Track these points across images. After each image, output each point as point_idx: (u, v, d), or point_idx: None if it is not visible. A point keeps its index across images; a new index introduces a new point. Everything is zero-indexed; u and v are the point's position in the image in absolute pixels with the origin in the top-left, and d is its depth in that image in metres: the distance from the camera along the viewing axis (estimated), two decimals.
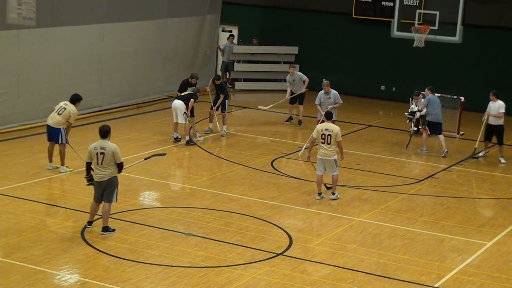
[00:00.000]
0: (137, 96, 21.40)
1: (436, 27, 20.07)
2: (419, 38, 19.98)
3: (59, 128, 14.34)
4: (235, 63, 25.06)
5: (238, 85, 25.26)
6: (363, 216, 13.31)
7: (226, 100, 18.47)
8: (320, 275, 10.70)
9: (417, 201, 14.42)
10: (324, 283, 10.41)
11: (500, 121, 17.40)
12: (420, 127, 20.00)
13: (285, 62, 25.23)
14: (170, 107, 17.81)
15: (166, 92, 22.19)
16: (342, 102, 17.48)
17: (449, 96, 20.20)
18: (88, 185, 11.82)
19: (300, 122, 20.10)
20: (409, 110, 19.84)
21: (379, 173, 16.24)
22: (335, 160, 13.66)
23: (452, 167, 17.09)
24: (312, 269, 10.92)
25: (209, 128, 18.45)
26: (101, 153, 11.41)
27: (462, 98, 20.01)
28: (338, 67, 25.32)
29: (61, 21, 18.77)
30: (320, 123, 15.96)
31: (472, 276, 10.99)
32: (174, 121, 17.35)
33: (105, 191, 11.55)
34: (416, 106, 19.60)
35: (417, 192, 15.01)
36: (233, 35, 25.29)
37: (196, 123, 18.25)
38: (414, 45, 20.18)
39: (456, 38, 19.98)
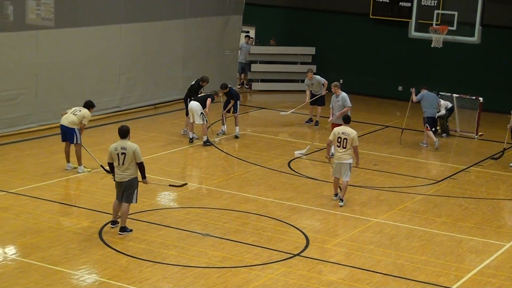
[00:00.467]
0: (156, 97, 21.43)
1: (454, 28, 19.92)
2: (437, 38, 19.85)
3: (74, 128, 14.43)
4: (252, 64, 25.09)
5: (255, 86, 25.26)
6: (381, 217, 13.26)
7: (238, 102, 18.41)
8: (337, 276, 10.68)
9: (435, 202, 14.34)
10: (341, 284, 10.38)
11: None
12: (437, 128, 19.92)
13: (302, 63, 25.21)
14: (180, 109, 17.91)
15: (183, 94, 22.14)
16: (350, 105, 16.76)
17: (468, 97, 20.08)
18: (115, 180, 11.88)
19: (317, 123, 20.08)
20: None
21: (396, 174, 16.17)
22: (349, 164, 13.49)
23: (471, 168, 16.98)
24: (329, 270, 10.89)
25: (222, 130, 18.44)
26: (122, 153, 11.46)
27: (481, 99, 19.89)
28: (355, 67, 25.25)
29: (79, 22, 18.87)
30: (336, 126, 15.92)
31: (491, 278, 10.91)
32: (191, 121, 17.39)
33: (125, 191, 11.61)
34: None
35: (435, 193, 14.93)
36: (249, 36, 25.31)
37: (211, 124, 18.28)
38: (432, 46, 20.04)
39: (475, 39, 19.82)
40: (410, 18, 20.52)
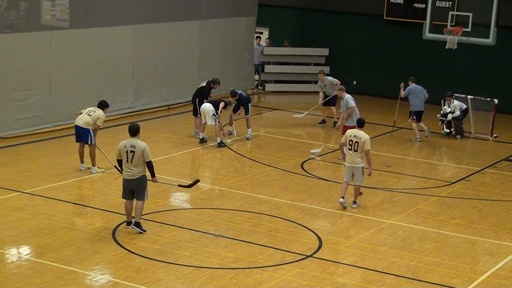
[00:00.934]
0: (171, 98, 21.46)
1: (469, 29, 19.83)
2: (451, 40, 19.77)
3: (88, 129, 14.49)
4: (265, 65, 25.12)
5: (269, 87, 25.27)
6: (394, 218, 13.21)
7: (249, 104, 18.37)
8: (350, 277, 10.65)
9: (449, 204, 14.27)
10: (354, 286, 10.36)
11: None
12: (452, 130, 19.83)
13: (315, 64, 25.18)
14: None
15: None
16: (352, 106, 16.51)
17: (483, 99, 19.98)
18: None
19: (334, 124, 20.01)
20: (441, 112, 19.67)
21: (410, 175, 16.11)
22: (362, 168, 13.30)
23: (485, 169, 16.89)
24: (342, 271, 10.87)
25: (229, 131, 18.41)
26: (131, 151, 11.51)
27: (496, 101, 19.79)
28: (369, 69, 25.20)
29: (94, 23, 18.95)
30: (348, 128, 15.91)
31: (505, 280, 10.85)
32: (203, 121, 17.42)
33: (135, 190, 11.65)
34: (449, 107, 19.43)
35: (449, 194, 14.86)
36: (259, 37, 25.31)
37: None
38: (446, 47, 19.97)
39: (490, 40, 19.72)
40: (425, 19, 20.45)
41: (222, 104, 17.46)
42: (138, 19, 20.12)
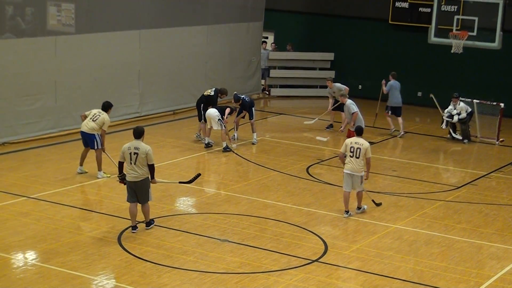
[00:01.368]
0: (178, 103, 21.47)
1: (474, 33, 19.84)
2: (457, 44, 19.78)
3: (94, 134, 14.52)
4: (270, 69, 25.17)
5: (274, 91, 25.29)
6: (400, 223, 13.18)
7: (253, 108, 18.34)
8: (355, 282, 10.63)
9: (455, 208, 14.23)
10: None
11: None
12: (457, 133, 19.78)
13: (320, 69, 25.18)
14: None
15: None
16: (355, 111, 16.69)
17: (489, 103, 19.94)
18: (120, 182, 12.00)
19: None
20: (447, 112, 19.56)
21: (416, 179, 16.08)
22: (361, 176, 13.10)
23: (492, 174, 16.84)
24: (348, 276, 10.85)
25: (233, 136, 18.40)
26: (135, 153, 11.60)
27: (502, 105, 19.74)
28: (374, 73, 25.15)
29: (99, 28, 18.99)
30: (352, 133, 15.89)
31: (511, 285, 10.80)
32: (208, 126, 17.44)
33: (139, 193, 11.71)
34: (455, 109, 19.38)
35: (455, 199, 14.82)
36: (265, 42, 25.34)
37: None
38: (452, 51, 19.97)
39: (495, 44, 19.72)
40: (430, 23, 20.48)
41: (228, 110, 17.49)
42: (145, 24, 20.16)
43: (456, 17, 20.42)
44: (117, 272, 10.51)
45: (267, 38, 25.96)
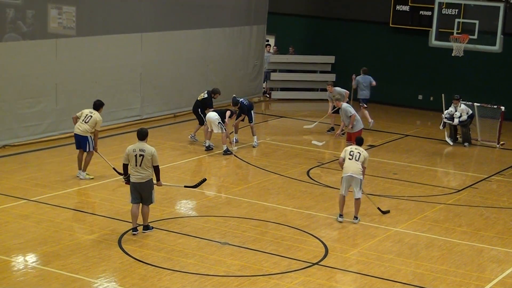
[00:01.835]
0: (179, 106, 21.45)
1: (475, 36, 19.80)
2: (458, 47, 19.73)
3: (87, 136, 14.55)
4: (271, 72, 25.20)
5: (275, 94, 25.30)
6: (400, 226, 13.17)
7: (252, 111, 18.30)
8: (356, 285, 10.62)
9: (455, 211, 14.22)
10: None
11: None
12: (458, 137, 19.77)
13: (321, 71, 25.20)
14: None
15: None
16: (352, 114, 16.73)
17: (489, 106, 19.94)
18: (126, 183, 12.00)
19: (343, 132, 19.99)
20: (448, 114, 19.51)
21: (416, 183, 16.07)
22: (361, 180, 13.00)
23: (492, 177, 16.84)
24: (348, 279, 10.84)
25: (235, 139, 18.40)
26: (140, 155, 11.63)
27: (503, 108, 19.74)
28: (375, 76, 25.11)
29: (100, 30, 19.00)
30: (352, 134, 15.87)
31: None
32: (209, 130, 17.44)
33: (143, 194, 11.73)
34: (456, 111, 19.38)
35: (455, 202, 14.82)
36: (269, 45, 25.38)
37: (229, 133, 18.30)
38: (452, 55, 19.94)
39: (496, 48, 19.66)
40: (431, 27, 20.42)
41: (228, 113, 17.51)
42: (147, 27, 20.18)
43: (456, 20, 20.36)
44: (118, 275, 10.51)
45: (268, 41, 25.98)
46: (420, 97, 24.59)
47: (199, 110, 18.07)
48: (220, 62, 22.92)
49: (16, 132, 17.19)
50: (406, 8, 24.02)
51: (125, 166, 11.84)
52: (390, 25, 24.33)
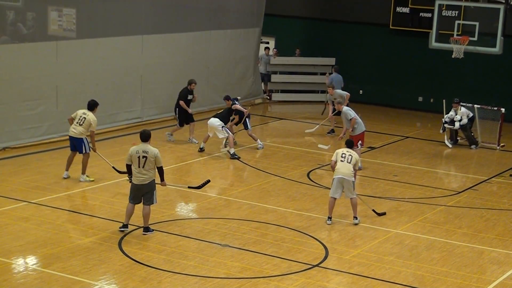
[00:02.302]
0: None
1: (475, 38, 19.81)
2: (458, 49, 19.74)
3: (82, 138, 14.54)
4: (272, 74, 25.24)
5: (275, 96, 25.32)
6: (400, 228, 13.17)
7: (247, 119, 18.15)
8: (356, 287, 10.61)
9: (456, 213, 14.22)
10: None
11: None
12: (459, 138, 19.78)
13: (322, 73, 25.22)
14: (207, 118, 18.05)
15: (209, 105, 22.29)
16: (352, 117, 16.50)
17: (490, 108, 19.95)
18: (130, 182, 12.02)
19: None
20: (448, 118, 19.53)
21: (416, 184, 16.07)
22: (353, 181, 13.04)
23: (492, 178, 16.84)
24: (349, 281, 10.84)
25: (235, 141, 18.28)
26: (144, 156, 11.66)
27: (503, 110, 19.75)
28: (375, 78, 25.20)
29: (101, 33, 19.01)
30: (354, 137, 15.79)
31: None
32: (210, 135, 17.45)
33: (145, 194, 11.78)
34: (456, 114, 19.39)
35: (455, 204, 14.81)
36: (268, 47, 25.42)
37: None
38: (453, 56, 19.96)
39: (497, 49, 19.67)
40: (431, 28, 20.45)
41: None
42: (147, 30, 20.19)
43: (457, 22, 20.38)
44: (118, 277, 10.51)
45: (267, 43, 26.00)
46: (420, 99, 24.60)
47: (175, 105, 18.21)
48: (221, 64, 22.94)
49: (17, 134, 17.20)
50: (406, 10, 24.04)
51: (128, 167, 11.89)
52: (390, 27, 24.35)
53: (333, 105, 20.01)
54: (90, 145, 14.65)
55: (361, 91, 24.97)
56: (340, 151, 13.24)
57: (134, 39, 19.93)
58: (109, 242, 11.73)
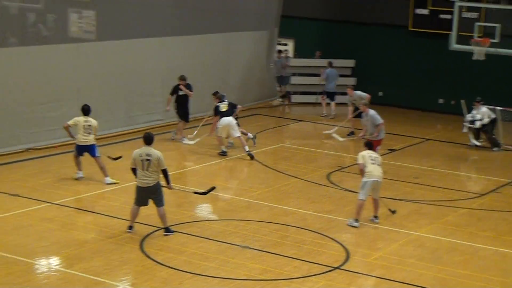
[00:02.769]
0: (200, 110, 21.47)
1: (496, 40, 19.67)
2: (479, 51, 19.61)
3: (94, 144, 14.78)
4: (291, 76, 25.30)
5: (295, 98, 25.31)
6: (422, 230, 13.10)
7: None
8: None
9: (478, 216, 14.11)
10: None
11: None
12: (481, 140, 19.62)
13: (341, 75, 25.15)
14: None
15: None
16: (380, 122, 16.29)
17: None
18: None
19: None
20: (469, 118, 19.40)
21: (437, 187, 15.97)
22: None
23: None
24: (370, 283, 10.79)
25: (230, 143, 18.24)
26: (147, 159, 11.73)
27: None
28: (395, 80, 25.11)
29: (120, 35, 19.10)
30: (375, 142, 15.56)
31: None
32: (224, 136, 17.44)
33: (152, 197, 11.89)
34: (478, 113, 19.25)
35: (478, 206, 14.70)
36: (280, 50, 25.48)
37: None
38: (473, 58, 19.83)
39: None
40: (451, 30, 20.34)
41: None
42: (167, 32, 20.27)
43: (477, 24, 20.26)
44: (139, 278, 10.54)
45: (286, 45, 26.05)
46: (441, 101, 24.47)
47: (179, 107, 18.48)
48: (239, 66, 23.00)
49: (40, 135, 17.32)
50: (425, 11, 23.95)
51: (134, 170, 11.97)
52: (410, 28, 24.24)
53: (353, 106, 19.97)
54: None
55: (380, 93, 24.88)
56: (366, 154, 13.14)
57: (154, 41, 20.00)
58: (131, 243, 11.77)
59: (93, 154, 14.76)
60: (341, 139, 18.21)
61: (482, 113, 19.21)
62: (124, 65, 19.24)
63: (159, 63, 20.24)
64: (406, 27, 24.30)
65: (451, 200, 15.03)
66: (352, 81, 24.38)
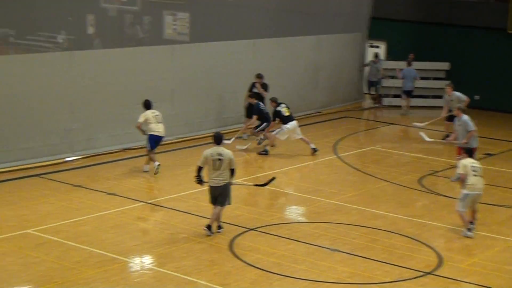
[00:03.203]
0: (298, 110, 21.60)
1: None
2: None
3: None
4: (383, 79, 25.01)
5: (387, 101, 25.00)
6: None
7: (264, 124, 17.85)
8: None
9: None
10: None
11: None
12: None
13: (435, 78, 24.65)
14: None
15: (317, 108, 22.33)
16: (472, 129, 15.53)
17: None
18: (198, 183, 12.27)
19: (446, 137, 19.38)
20: None
21: None
22: None
23: None
24: None
25: (262, 138, 17.98)
26: (219, 159, 11.86)
27: None
28: (492, 84, 24.36)
29: (213, 37, 19.37)
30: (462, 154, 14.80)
31: None
32: (283, 139, 17.49)
33: (220, 195, 12.02)
34: None
35: None
36: (377, 54, 25.18)
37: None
38: None
39: None
40: None
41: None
42: (260, 34, 20.42)
43: None
44: (229, 279, 10.64)
45: (378, 47, 25.74)
46: None
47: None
48: (329, 68, 22.95)
49: (134, 136, 17.71)
50: None
51: (199, 169, 12.12)
52: (508, 31, 23.50)
53: (448, 107, 19.12)
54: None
55: (477, 96, 24.12)
56: (467, 163, 12.60)
57: (246, 43, 20.17)
58: (221, 243, 11.91)
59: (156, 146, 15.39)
60: (428, 139, 17.63)
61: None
62: (216, 66, 19.47)
63: (251, 65, 20.38)
64: (504, 29, 23.56)
65: None
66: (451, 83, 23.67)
